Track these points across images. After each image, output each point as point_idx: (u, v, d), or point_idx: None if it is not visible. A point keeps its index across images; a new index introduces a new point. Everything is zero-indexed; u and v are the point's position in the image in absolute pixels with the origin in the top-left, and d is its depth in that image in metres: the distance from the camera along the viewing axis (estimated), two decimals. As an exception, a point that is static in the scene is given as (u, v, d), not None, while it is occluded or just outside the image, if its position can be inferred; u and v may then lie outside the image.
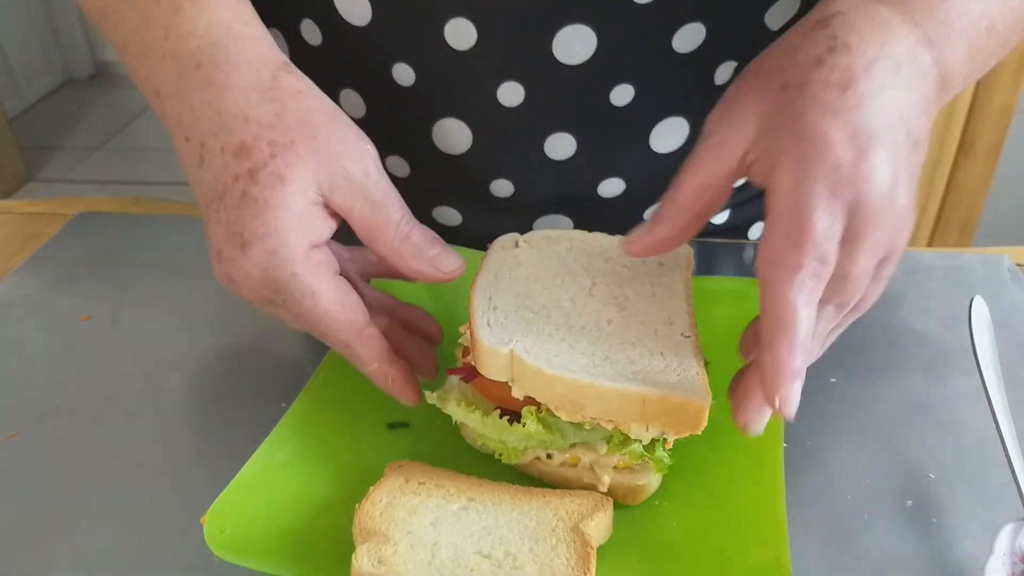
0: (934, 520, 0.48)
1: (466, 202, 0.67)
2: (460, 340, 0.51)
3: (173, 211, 0.81)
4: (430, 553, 0.40)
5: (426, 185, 0.66)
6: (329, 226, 0.44)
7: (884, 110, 0.39)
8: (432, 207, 0.68)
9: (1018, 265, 0.70)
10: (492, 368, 0.45)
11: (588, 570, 0.40)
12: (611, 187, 0.65)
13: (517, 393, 0.45)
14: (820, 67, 0.39)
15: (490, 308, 0.48)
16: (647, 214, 0.67)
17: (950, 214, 1.78)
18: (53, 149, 3.12)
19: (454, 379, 0.50)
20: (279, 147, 0.42)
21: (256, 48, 0.45)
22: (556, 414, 0.45)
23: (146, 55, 0.46)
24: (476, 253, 0.55)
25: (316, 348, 0.58)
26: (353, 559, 0.40)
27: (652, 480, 0.47)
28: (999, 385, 0.49)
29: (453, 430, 0.51)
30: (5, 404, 0.57)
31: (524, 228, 0.56)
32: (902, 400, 0.56)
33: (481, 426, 0.47)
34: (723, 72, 0.60)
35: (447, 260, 0.47)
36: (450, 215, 0.68)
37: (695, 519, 0.46)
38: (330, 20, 0.58)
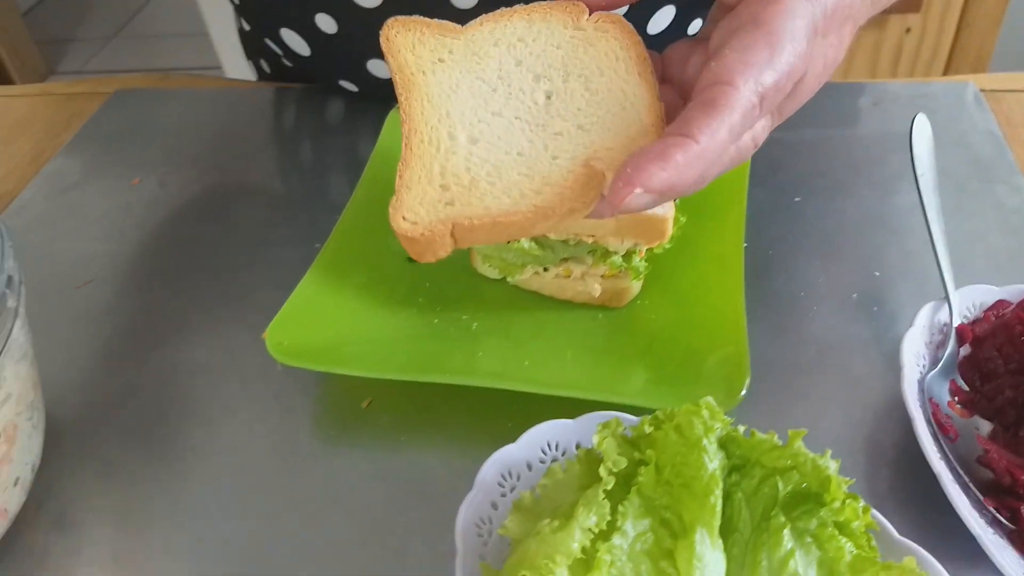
0: (875, 308, 0.56)
1: None
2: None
3: (200, 84, 0.87)
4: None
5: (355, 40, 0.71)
6: None
7: None
8: (365, 61, 0.74)
9: (983, 91, 0.75)
10: (490, 196, 0.53)
11: None
12: None
13: (513, 217, 0.53)
14: None
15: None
16: None
17: (963, 51, 1.77)
18: (68, 41, 3.14)
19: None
20: None
21: None
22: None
23: None
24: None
25: (339, 196, 0.66)
26: None
27: (633, 285, 0.55)
28: (934, 190, 0.55)
29: (464, 262, 0.60)
30: (78, 256, 0.66)
31: None
32: (858, 212, 0.63)
33: (484, 246, 0.55)
34: None
35: None
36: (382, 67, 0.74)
37: (671, 317, 0.55)
38: None
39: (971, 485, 0.43)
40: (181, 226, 0.68)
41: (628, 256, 0.54)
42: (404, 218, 0.36)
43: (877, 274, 0.58)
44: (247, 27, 0.86)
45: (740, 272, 0.54)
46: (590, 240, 0.52)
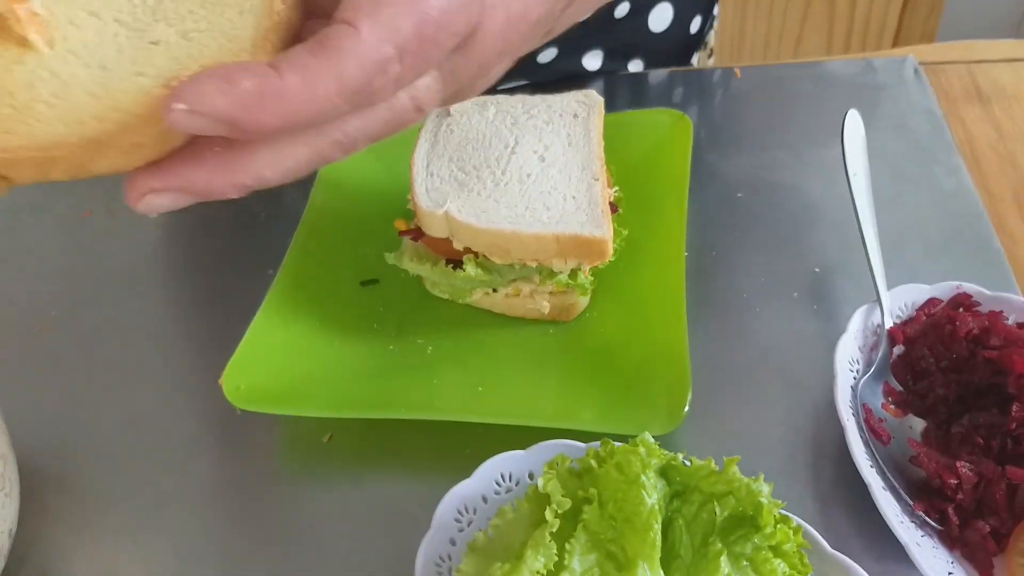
0: (815, 307, 0.57)
1: None
2: (408, 206, 0.59)
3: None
4: None
5: None
6: None
7: None
8: None
9: (923, 64, 0.75)
10: (433, 227, 0.54)
11: None
12: None
13: (457, 245, 0.54)
14: None
15: (428, 175, 0.56)
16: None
17: (915, 3, 1.77)
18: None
19: (407, 239, 0.59)
20: None
21: None
22: (490, 259, 0.54)
23: None
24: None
25: (290, 220, 0.67)
26: None
27: (581, 300, 0.57)
28: (866, 190, 0.57)
29: (416, 282, 0.60)
30: (34, 298, 0.66)
31: None
32: (799, 205, 0.64)
33: (431, 275, 0.56)
34: None
35: None
36: None
37: (618, 328, 0.56)
38: None
39: (901, 491, 0.45)
40: (134, 258, 0.68)
41: (574, 274, 0.55)
42: None
43: (817, 270, 0.59)
44: None
45: (681, 279, 0.55)
46: (534, 264, 0.54)
